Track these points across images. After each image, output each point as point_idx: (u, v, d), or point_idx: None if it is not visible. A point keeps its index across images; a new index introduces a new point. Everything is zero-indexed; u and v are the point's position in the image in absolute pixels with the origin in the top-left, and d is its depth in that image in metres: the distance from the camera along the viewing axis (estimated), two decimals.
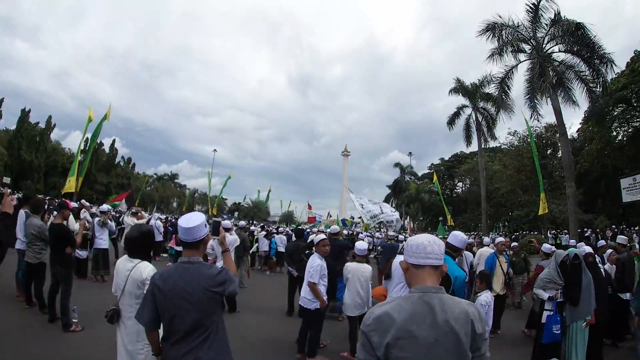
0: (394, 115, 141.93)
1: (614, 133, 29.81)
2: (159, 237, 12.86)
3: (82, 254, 8.46)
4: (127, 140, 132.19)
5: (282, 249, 12.38)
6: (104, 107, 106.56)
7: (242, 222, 13.82)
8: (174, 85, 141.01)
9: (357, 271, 5.29)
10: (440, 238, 1.73)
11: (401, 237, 12.58)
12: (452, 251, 3.61)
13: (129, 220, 9.16)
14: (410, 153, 55.69)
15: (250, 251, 12.30)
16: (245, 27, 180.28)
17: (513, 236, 26.43)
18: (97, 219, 9.15)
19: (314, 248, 5.28)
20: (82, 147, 18.92)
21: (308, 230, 20.59)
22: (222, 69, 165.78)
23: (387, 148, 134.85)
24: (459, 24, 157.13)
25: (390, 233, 13.41)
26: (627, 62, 26.92)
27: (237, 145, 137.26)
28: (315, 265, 4.88)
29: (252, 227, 18.73)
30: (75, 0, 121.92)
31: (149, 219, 13.00)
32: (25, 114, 42.65)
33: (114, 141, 56.74)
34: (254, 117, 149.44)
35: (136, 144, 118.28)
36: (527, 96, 19.57)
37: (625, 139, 28.89)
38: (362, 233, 23.08)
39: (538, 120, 20.84)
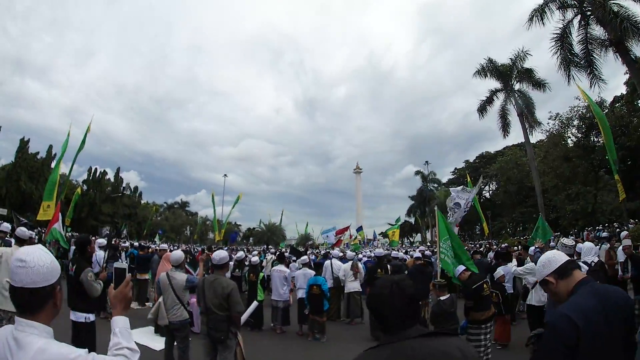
0: (402, 130, 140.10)
1: None
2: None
3: None
4: (144, 173, 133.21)
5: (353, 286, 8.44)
6: (114, 142, 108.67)
7: (240, 253, 10.02)
8: (184, 117, 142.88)
9: None
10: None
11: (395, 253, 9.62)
12: None
13: None
14: (426, 162, 52.66)
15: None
16: (248, 56, 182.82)
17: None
18: None
19: None
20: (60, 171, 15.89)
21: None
22: (230, 98, 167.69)
23: (398, 163, 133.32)
24: (457, 33, 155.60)
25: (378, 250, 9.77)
26: None
27: (249, 171, 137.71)
28: None
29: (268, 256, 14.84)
30: (83, 39, 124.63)
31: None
32: (24, 143, 40.82)
33: (118, 170, 54.79)
34: (264, 143, 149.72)
35: (152, 176, 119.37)
36: (583, 56, 16.04)
37: None
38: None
39: (599, 86, 16.94)
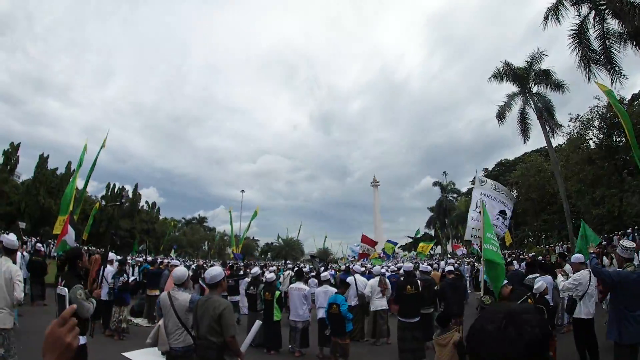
0: (417, 141, 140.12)
1: None
2: None
3: None
4: (163, 189, 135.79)
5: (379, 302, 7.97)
6: (134, 159, 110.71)
7: (255, 269, 9.39)
8: (202, 134, 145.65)
9: None
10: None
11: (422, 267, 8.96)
12: None
13: None
14: (444, 172, 51.67)
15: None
16: (264, 73, 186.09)
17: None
18: None
19: None
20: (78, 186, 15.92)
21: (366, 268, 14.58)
22: (246, 115, 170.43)
23: (415, 175, 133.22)
24: (468, 42, 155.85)
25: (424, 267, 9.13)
26: None
27: (267, 186, 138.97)
28: None
29: (286, 272, 14.18)
30: (101, 59, 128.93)
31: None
32: (43, 159, 41.81)
33: (136, 186, 55.53)
34: (281, 158, 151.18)
35: (170, 192, 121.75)
36: (602, 52, 15.29)
37: None
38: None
39: (620, 82, 16.07)
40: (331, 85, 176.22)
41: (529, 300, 4.71)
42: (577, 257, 6.48)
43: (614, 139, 26.44)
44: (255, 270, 8.81)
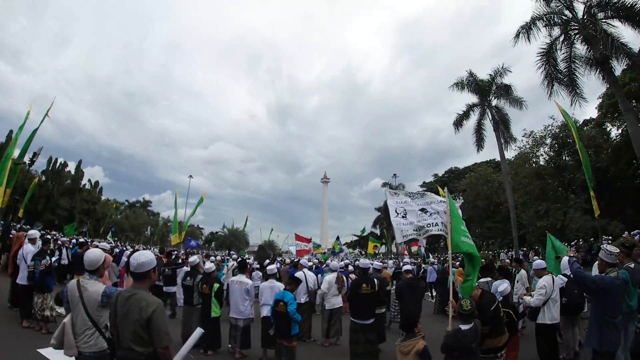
0: (371, 143, 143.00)
1: None
2: None
3: None
4: (110, 169, 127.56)
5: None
6: (82, 134, 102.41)
7: (194, 258, 8.02)
8: (155, 114, 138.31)
9: None
10: None
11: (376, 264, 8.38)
12: None
13: None
14: (394, 175, 52.35)
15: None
16: (226, 57, 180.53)
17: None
18: None
19: None
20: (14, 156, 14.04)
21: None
22: (203, 99, 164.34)
23: (365, 175, 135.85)
24: (432, 52, 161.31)
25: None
26: None
27: (216, 174, 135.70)
28: None
29: (230, 262, 13.32)
30: (60, 25, 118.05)
31: None
32: None
33: (79, 162, 50.99)
34: (234, 147, 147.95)
35: (117, 173, 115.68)
36: (566, 74, 15.87)
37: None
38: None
39: (579, 105, 16.84)
40: (293, 79, 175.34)
41: (500, 306, 4.28)
42: (539, 263, 6.31)
43: (564, 158, 28.13)
44: (194, 259, 7.69)
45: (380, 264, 9.64)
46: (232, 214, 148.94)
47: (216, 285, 6.42)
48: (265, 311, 6.21)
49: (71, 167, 49.01)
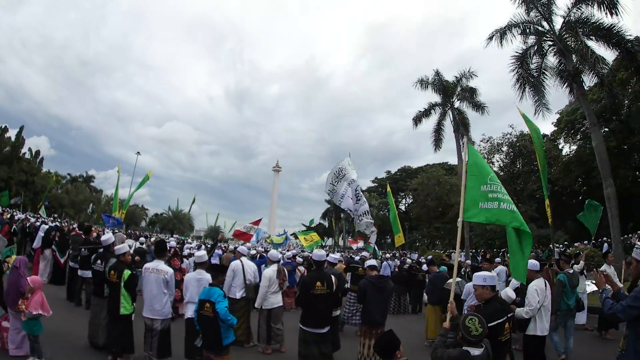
0: (326, 137, 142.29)
1: None
2: None
3: None
4: (56, 140, 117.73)
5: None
6: (29, 100, 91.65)
7: (107, 236, 6.31)
8: (108, 85, 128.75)
9: None
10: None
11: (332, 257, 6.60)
12: None
13: None
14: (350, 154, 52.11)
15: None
16: (189, 34, 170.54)
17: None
18: None
19: None
20: None
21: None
22: (160, 74, 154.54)
23: (318, 168, 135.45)
24: (396, 56, 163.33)
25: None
26: None
27: (166, 154, 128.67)
28: None
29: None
30: None
31: None
32: None
33: (21, 129, 46.02)
34: (188, 127, 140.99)
35: (63, 145, 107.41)
36: (534, 85, 15.73)
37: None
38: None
39: (543, 115, 16.93)
40: (254, 64, 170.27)
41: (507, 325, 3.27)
42: (532, 263, 5.46)
43: (518, 166, 29.02)
44: (107, 237, 5.90)
45: (337, 256, 8.28)
46: (180, 196, 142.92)
47: (127, 272, 4.73)
48: (190, 311, 4.77)
49: (12, 134, 44.80)
